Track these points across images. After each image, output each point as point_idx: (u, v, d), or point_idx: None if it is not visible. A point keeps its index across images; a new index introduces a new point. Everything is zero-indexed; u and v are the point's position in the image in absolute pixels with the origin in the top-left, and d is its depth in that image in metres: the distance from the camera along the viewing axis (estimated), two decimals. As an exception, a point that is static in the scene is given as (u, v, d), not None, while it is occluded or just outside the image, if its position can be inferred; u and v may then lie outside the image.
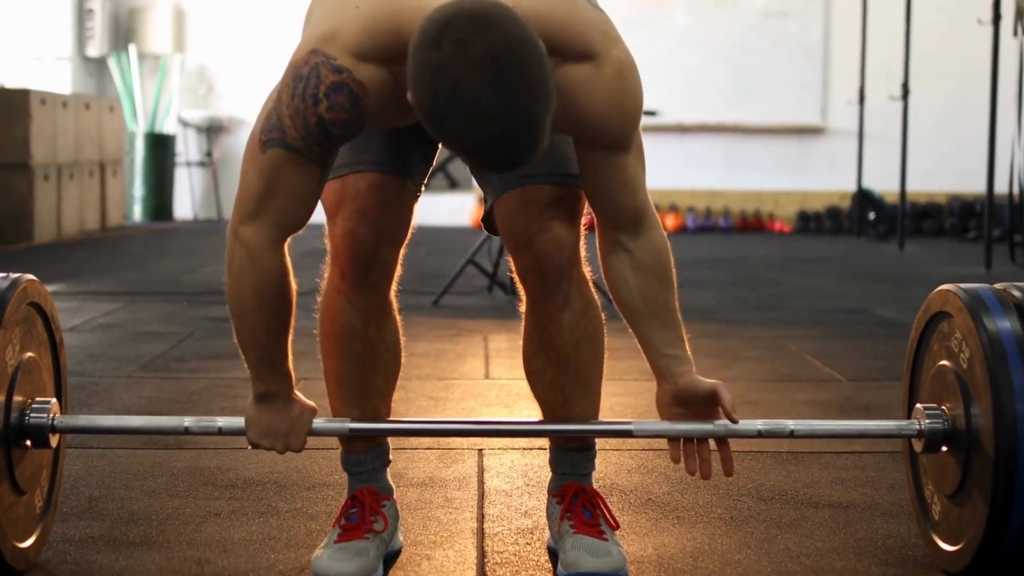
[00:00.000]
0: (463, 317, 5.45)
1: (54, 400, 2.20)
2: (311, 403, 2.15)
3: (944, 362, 2.20)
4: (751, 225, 12.11)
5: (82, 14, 12.05)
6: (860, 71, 11.04)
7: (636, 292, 2.14)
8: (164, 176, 12.00)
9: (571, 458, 2.28)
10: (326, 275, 2.22)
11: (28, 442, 2.14)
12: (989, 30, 8.18)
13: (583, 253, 2.21)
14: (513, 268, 2.24)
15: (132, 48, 12.09)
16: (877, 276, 7.79)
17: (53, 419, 2.16)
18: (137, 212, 11.91)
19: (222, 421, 2.21)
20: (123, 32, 12.36)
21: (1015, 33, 8.23)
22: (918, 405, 2.22)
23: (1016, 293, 2.11)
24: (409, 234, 2.23)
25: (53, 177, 9.26)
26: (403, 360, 2.31)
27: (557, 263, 2.16)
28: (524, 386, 3.87)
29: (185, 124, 12.33)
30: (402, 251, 2.23)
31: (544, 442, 2.56)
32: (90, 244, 9.25)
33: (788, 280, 7.48)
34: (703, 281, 7.25)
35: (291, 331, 2.10)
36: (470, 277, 6.46)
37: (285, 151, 1.95)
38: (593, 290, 2.25)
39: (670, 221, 11.79)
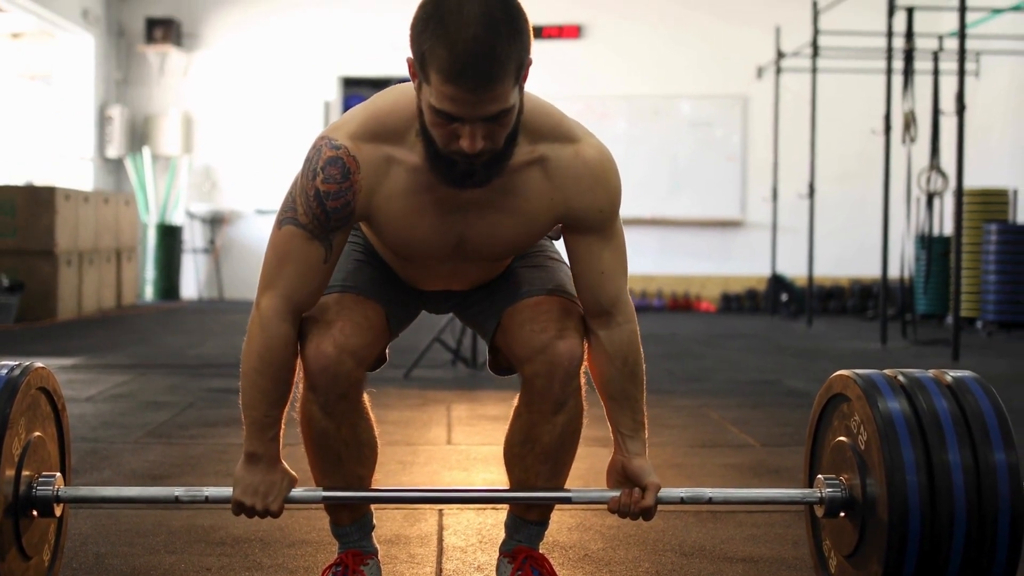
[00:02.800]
0: (429, 388, 5.43)
1: (58, 474, 2.16)
2: (293, 473, 2.12)
3: (842, 438, 2.20)
4: (681, 305, 12.14)
5: (103, 121, 12.05)
6: (773, 172, 11.17)
7: (602, 377, 2.15)
8: (172, 261, 11.96)
9: (528, 530, 2.25)
10: (300, 383, 2.11)
11: (35, 512, 2.11)
12: (882, 139, 8.30)
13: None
14: (516, 365, 2.17)
15: (146, 150, 12.10)
16: (788, 350, 7.81)
17: (58, 491, 2.13)
18: (148, 292, 11.85)
19: (208, 491, 2.18)
20: (138, 136, 12.37)
21: (903, 141, 8.38)
22: (820, 476, 2.21)
23: (903, 379, 2.11)
24: (383, 362, 2.21)
25: (75, 262, 9.22)
26: (379, 447, 2.23)
27: (567, 370, 2.10)
28: (482, 451, 3.87)
29: (192, 216, 12.31)
30: (374, 363, 2.17)
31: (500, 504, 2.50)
32: (106, 321, 9.18)
33: (712, 354, 7.48)
34: (639, 355, 7.26)
35: (287, 404, 2.08)
36: (436, 351, 6.45)
37: (295, 227, 1.98)
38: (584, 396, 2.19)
39: (611, 301, 11.81)
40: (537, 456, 2.17)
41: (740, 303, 12.09)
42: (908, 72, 8.64)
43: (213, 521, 2.86)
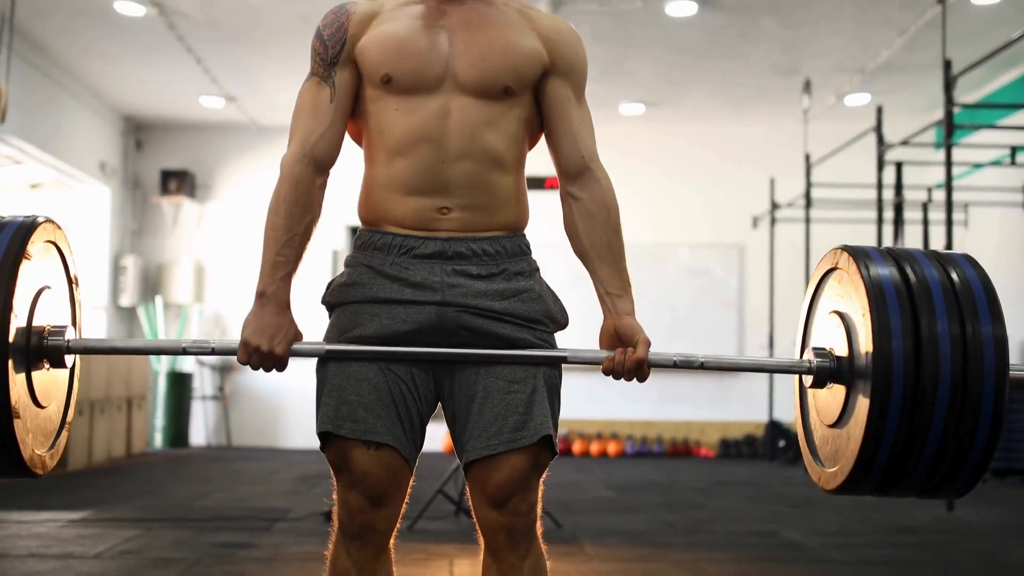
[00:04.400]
0: (432, 541, 5.45)
1: (69, 325, 2.20)
2: (300, 329, 2.21)
3: (833, 310, 2.21)
4: (680, 451, 12.12)
5: (117, 270, 12.24)
6: (769, 320, 11.27)
7: (584, 236, 2.26)
8: (182, 408, 12.01)
9: None
10: (335, 519, 2.23)
11: (47, 363, 2.15)
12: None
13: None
14: (476, 519, 2.23)
15: (158, 298, 12.26)
16: (786, 499, 7.81)
17: (68, 341, 2.18)
18: (158, 440, 11.88)
19: (215, 343, 2.25)
20: (151, 285, 12.54)
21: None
22: (810, 347, 2.24)
23: (896, 251, 2.15)
24: (404, 505, 2.25)
25: (87, 412, 9.27)
26: None
27: (528, 522, 2.20)
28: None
29: (201, 363, 12.41)
30: (401, 511, 2.23)
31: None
32: (116, 471, 9.20)
33: (710, 503, 7.48)
34: (639, 505, 7.28)
35: (300, 251, 2.22)
36: (439, 503, 6.48)
37: (308, 80, 2.27)
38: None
39: (612, 447, 11.81)
40: None
41: (739, 449, 12.06)
42: (898, 222, 8.82)
43: None
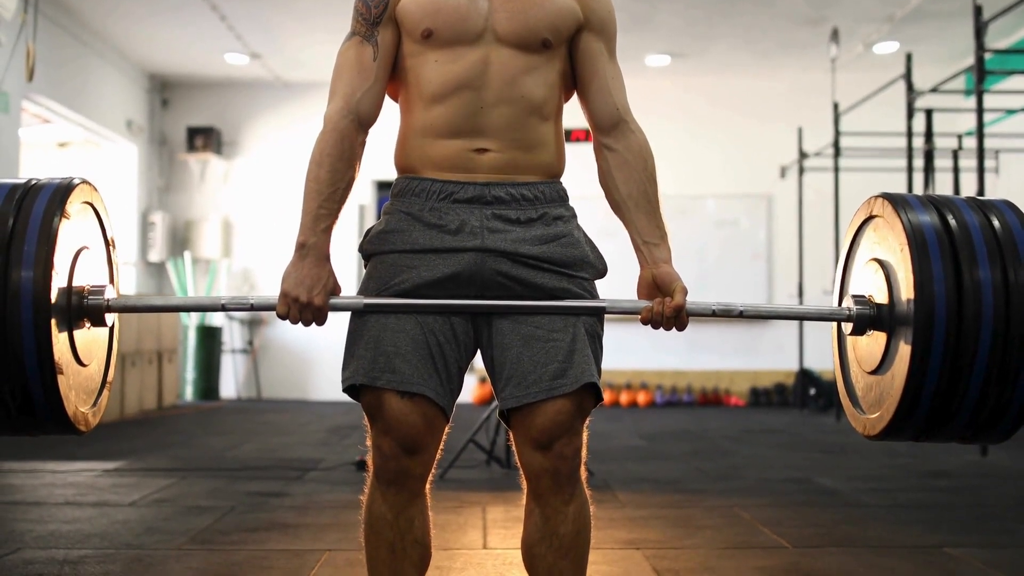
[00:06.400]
0: (464, 490, 5.43)
1: (108, 284, 2.22)
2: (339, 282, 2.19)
3: (873, 258, 2.18)
4: (710, 400, 12.10)
5: (146, 226, 12.23)
6: (798, 270, 11.17)
7: (621, 186, 2.25)
8: (212, 362, 12.04)
9: None
10: (370, 465, 2.21)
11: (87, 322, 2.16)
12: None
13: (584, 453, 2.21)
14: (521, 463, 2.20)
15: (187, 254, 12.26)
16: (817, 446, 7.75)
17: (108, 300, 2.19)
18: (189, 393, 11.92)
19: (253, 298, 2.22)
20: (179, 241, 12.54)
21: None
22: (849, 295, 2.21)
23: (936, 197, 2.12)
24: (439, 451, 2.21)
25: (119, 365, 9.27)
26: (432, 552, 2.26)
27: (573, 466, 2.17)
28: (518, 555, 3.85)
29: (231, 317, 12.42)
30: (436, 456, 2.20)
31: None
32: (148, 423, 9.22)
33: (742, 451, 7.44)
34: (670, 453, 7.24)
35: (340, 203, 2.18)
36: (470, 452, 6.47)
37: (349, 39, 2.23)
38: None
39: (642, 397, 11.79)
40: (555, 551, 2.19)
41: (769, 397, 12.02)
42: (928, 170, 8.68)
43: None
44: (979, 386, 1.99)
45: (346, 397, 2.19)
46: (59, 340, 2.04)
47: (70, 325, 2.11)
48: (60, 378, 2.03)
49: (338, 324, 2.27)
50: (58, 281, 2.04)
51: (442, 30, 2.18)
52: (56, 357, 2.02)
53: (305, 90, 12.39)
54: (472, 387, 11.84)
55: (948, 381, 1.99)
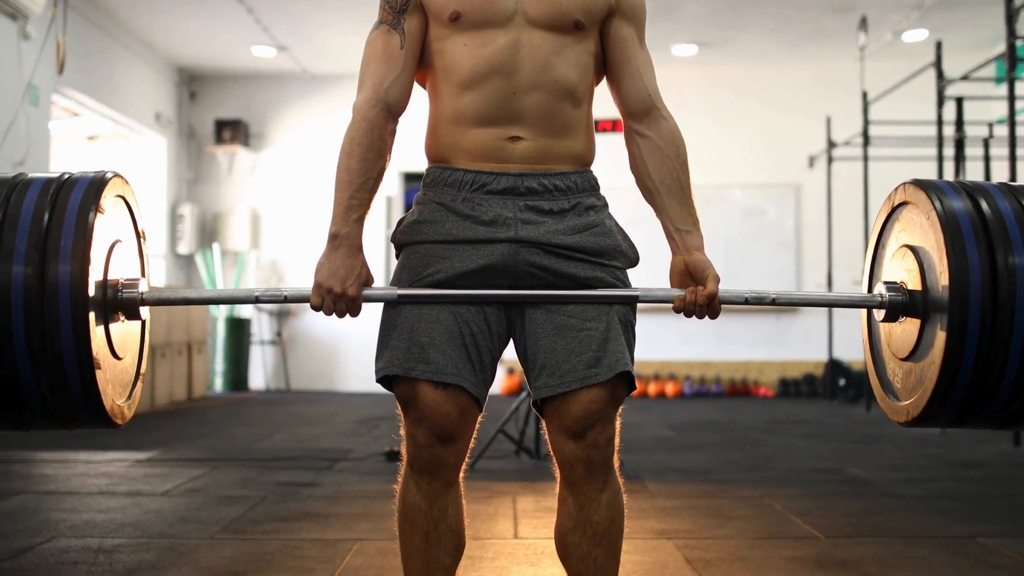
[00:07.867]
0: (494, 480, 5.43)
1: (141, 277, 2.22)
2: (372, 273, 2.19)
3: (905, 244, 2.17)
4: (739, 391, 12.06)
5: (174, 218, 12.29)
6: (827, 259, 11.12)
7: (654, 172, 2.24)
8: (241, 353, 12.09)
9: None
10: (403, 454, 2.22)
11: (122, 315, 2.17)
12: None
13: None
14: (554, 452, 2.20)
15: (216, 246, 12.30)
16: (848, 436, 7.72)
17: (142, 294, 2.19)
18: (218, 384, 11.97)
19: (287, 291, 2.22)
20: (208, 233, 12.59)
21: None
22: (881, 281, 2.20)
23: (968, 183, 2.10)
24: (473, 440, 2.22)
25: (149, 356, 9.30)
26: (466, 539, 2.27)
27: (606, 454, 2.17)
28: (549, 545, 3.86)
29: (259, 309, 12.47)
30: (469, 446, 2.21)
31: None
32: (178, 414, 9.27)
33: (771, 441, 7.41)
34: (700, 443, 7.22)
35: (372, 193, 2.17)
36: (499, 442, 6.47)
37: (377, 28, 2.22)
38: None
39: (670, 388, 11.77)
40: (589, 539, 2.18)
41: (798, 388, 11.96)
42: (959, 159, 8.61)
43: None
44: (1015, 373, 1.98)
45: (374, 388, 2.22)
46: (96, 335, 2.05)
47: (106, 319, 2.11)
48: (98, 373, 2.04)
49: (366, 315, 2.27)
50: (94, 275, 2.04)
51: (470, 12, 2.17)
52: (94, 352, 2.02)
53: (332, 82, 12.40)
54: (500, 378, 11.84)
55: (984, 368, 1.98)
